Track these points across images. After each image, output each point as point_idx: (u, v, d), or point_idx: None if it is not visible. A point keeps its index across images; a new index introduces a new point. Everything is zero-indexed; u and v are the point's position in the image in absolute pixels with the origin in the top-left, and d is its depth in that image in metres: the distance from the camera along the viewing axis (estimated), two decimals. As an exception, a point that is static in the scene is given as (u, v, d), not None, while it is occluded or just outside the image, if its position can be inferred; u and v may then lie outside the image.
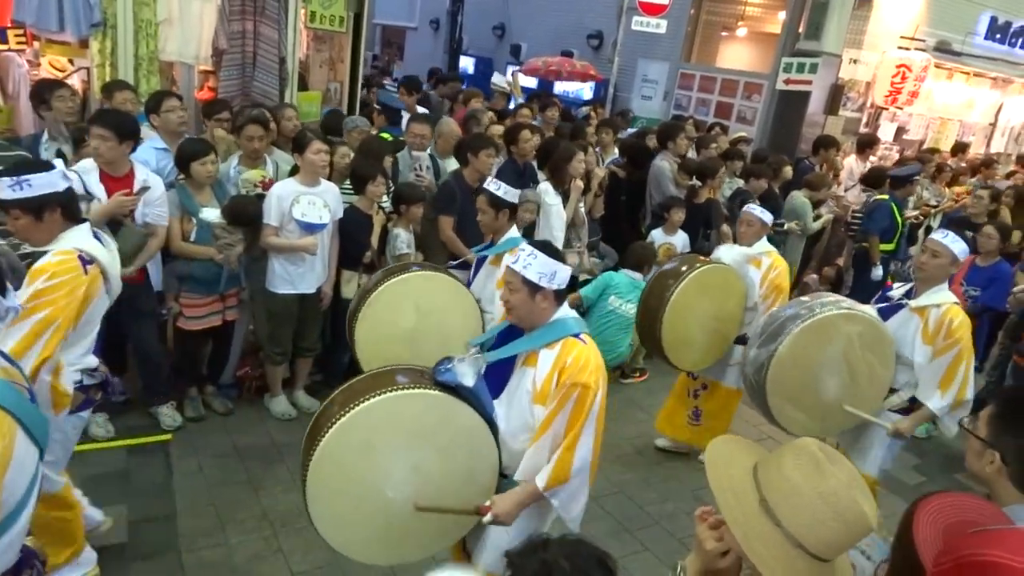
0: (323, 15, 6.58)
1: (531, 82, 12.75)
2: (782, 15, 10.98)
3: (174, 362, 4.51)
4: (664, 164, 6.59)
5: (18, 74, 5.60)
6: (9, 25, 5.31)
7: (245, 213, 4.23)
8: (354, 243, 4.61)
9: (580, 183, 5.59)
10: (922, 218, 8.16)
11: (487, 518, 2.41)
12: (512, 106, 8.51)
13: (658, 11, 10.44)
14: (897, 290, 3.75)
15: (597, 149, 7.18)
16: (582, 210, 5.77)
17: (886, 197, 6.83)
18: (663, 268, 4.50)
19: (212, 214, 4.19)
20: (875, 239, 6.61)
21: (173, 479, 3.95)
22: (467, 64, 15.67)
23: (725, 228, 6.05)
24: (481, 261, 4.01)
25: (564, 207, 5.53)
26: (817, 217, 6.96)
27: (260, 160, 4.67)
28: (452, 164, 5.60)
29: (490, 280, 3.84)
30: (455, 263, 4.20)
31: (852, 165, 8.67)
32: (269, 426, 4.55)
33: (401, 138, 5.60)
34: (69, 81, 5.55)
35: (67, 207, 2.73)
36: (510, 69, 11.89)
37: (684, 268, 4.28)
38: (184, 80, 6.23)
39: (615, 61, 11.12)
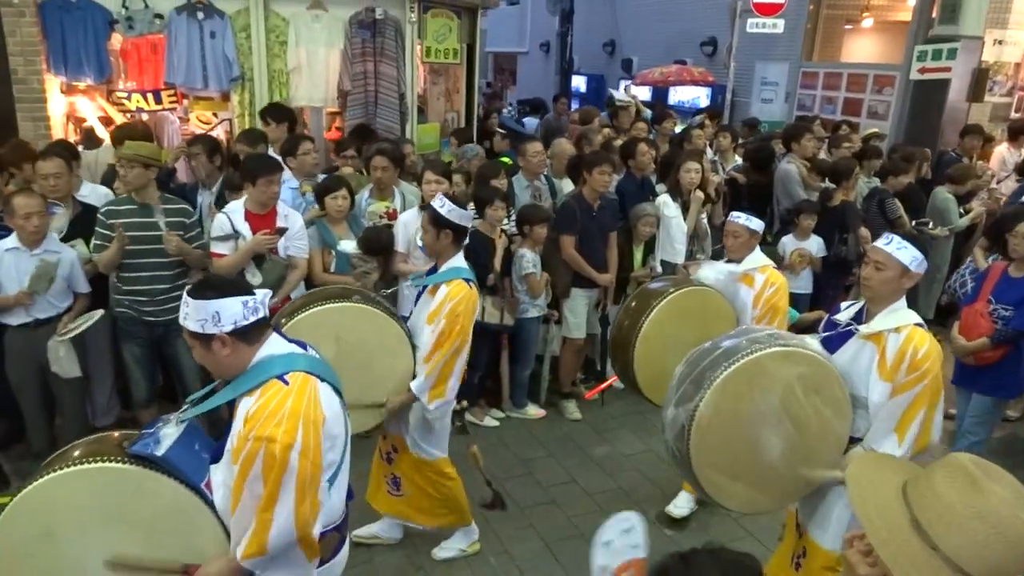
0: (438, 49, 6.84)
1: (644, 93, 12.64)
2: (912, 1, 10.33)
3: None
4: (791, 167, 6.32)
5: (171, 130, 6.18)
6: (162, 87, 5.89)
7: (378, 242, 4.45)
8: (478, 266, 4.71)
9: (700, 194, 5.47)
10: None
11: None
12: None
13: (774, 11, 10.07)
14: (844, 312, 2.96)
15: (716, 156, 7.01)
16: (704, 221, 5.65)
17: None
18: (648, 286, 3.96)
19: (349, 245, 4.43)
20: None
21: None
22: (579, 83, 15.75)
23: (864, 231, 5.71)
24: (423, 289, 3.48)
25: (684, 219, 5.45)
26: (966, 212, 6.44)
27: (389, 191, 4.88)
28: (568, 185, 5.64)
29: (422, 312, 3.35)
30: (388, 292, 3.83)
31: (1004, 154, 7.96)
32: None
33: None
34: (214, 132, 6.07)
35: None
36: (622, 84, 11.85)
37: (672, 289, 3.73)
38: (314, 122, 6.66)
39: (731, 66, 10.80)
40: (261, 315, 2.05)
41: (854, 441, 2.80)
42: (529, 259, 4.81)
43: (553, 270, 5.02)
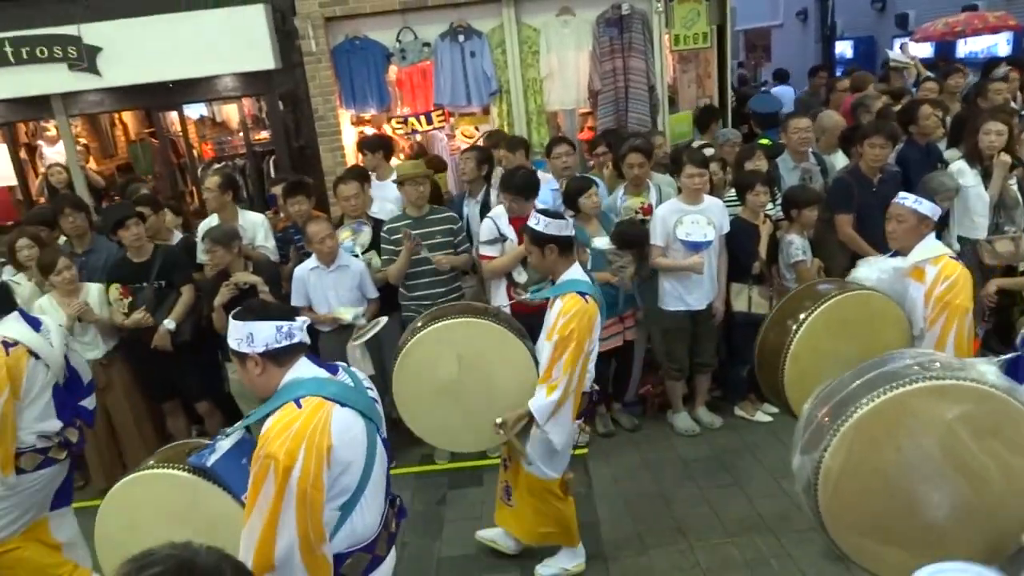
0: (686, 36, 6.65)
1: (925, 50, 11.18)
2: None
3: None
4: None
5: (440, 147, 6.76)
6: (432, 109, 6.49)
7: (632, 235, 4.49)
8: (742, 254, 4.53)
9: (1007, 157, 4.71)
10: None
11: None
12: (913, 83, 7.59)
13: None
14: None
15: (1024, 112, 6.00)
16: (1014, 188, 4.86)
17: None
18: (815, 285, 3.44)
19: (602, 242, 4.50)
20: None
21: (593, 490, 4.27)
22: (844, 49, 14.42)
23: None
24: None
25: (986, 188, 4.73)
26: None
27: (643, 186, 4.87)
28: (840, 160, 5.20)
29: (544, 326, 3.31)
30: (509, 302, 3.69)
31: None
32: (674, 442, 4.66)
33: (781, 141, 5.36)
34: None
35: None
36: (897, 43, 10.58)
37: (835, 293, 3.19)
38: (567, 125, 6.86)
39: (1038, 2, 9.17)
40: (296, 340, 2.16)
41: None
42: (798, 245, 4.50)
43: (827, 255, 4.65)
